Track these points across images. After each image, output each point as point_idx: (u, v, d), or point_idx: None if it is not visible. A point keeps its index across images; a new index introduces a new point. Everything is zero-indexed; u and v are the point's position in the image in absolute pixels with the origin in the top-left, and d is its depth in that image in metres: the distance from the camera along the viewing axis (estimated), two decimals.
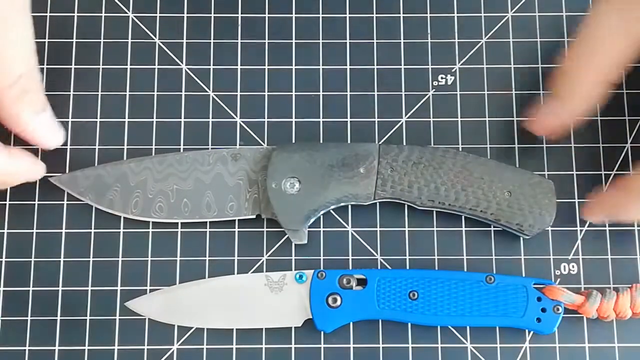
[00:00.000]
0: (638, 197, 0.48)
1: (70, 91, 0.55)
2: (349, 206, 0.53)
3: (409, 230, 0.53)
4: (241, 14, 0.57)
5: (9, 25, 0.48)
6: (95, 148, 0.54)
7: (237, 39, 0.56)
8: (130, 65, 0.55)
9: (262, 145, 0.54)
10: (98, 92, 0.55)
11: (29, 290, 0.52)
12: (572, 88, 0.50)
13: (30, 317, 0.52)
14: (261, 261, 0.53)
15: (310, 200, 0.51)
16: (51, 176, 0.53)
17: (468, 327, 0.52)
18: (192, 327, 0.52)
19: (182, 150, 0.54)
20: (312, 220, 0.52)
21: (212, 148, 0.54)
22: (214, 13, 0.57)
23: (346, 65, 0.56)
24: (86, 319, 0.52)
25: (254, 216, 0.52)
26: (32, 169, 0.51)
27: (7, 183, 0.51)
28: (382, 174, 0.51)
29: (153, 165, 0.53)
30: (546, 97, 0.53)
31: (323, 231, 0.53)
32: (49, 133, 0.52)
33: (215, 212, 0.52)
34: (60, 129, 0.53)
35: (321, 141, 0.54)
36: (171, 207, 0.52)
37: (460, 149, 0.54)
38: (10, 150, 0.50)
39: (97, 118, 0.55)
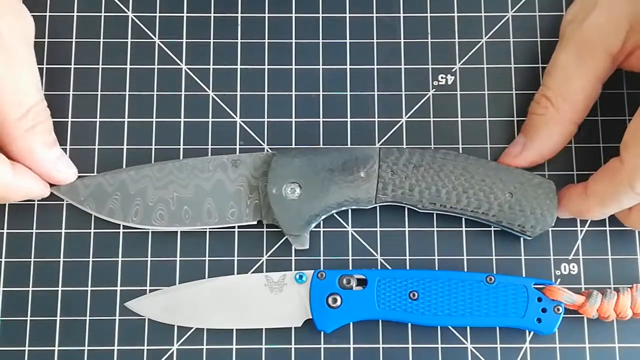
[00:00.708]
0: (597, 201, 0.49)
1: (70, 91, 0.55)
2: (350, 209, 0.53)
3: (409, 231, 0.53)
4: (241, 13, 0.57)
5: (19, 59, 0.50)
6: (95, 148, 0.54)
7: (237, 39, 0.56)
8: (130, 65, 0.55)
9: (262, 144, 0.54)
10: (98, 92, 0.55)
11: (28, 291, 0.52)
12: (538, 129, 0.51)
13: (30, 317, 0.52)
14: (261, 261, 0.53)
15: (311, 205, 0.51)
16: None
17: (468, 328, 0.52)
18: (192, 328, 0.52)
19: (182, 150, 0.54)
20: (313, 225, 0.51)
21: (212, 148, 0.54)
22: (214, 13, 0.56)
23: (346, 65, 0.56)
24: (86, 319, 0.52)
25: (255, 222, 0.52)
26: (36, 187, 0.51)
27: (8, 199, 0.50)
28: (383, 177, 0.51)
29: (153, 173, 0.53)
30: (519, 134, 0.53)
31: (323, 231, 0.53)
32: (62, 167, 0.52)
33: (216, 219, 0.52)
34: (71, 164, 0.53)
35: (321, 141, 0.54)
36: (172, 215, 0.52)
37: (461, 149, 0.54)
38: (15, 165, 0.49)
39: (96, 118, 0.55)
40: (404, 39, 0.56)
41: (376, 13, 0.57)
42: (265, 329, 0.52)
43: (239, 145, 0.54)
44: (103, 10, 0.56)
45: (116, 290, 0.52)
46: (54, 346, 0.52)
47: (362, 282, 0.51)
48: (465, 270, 0.53)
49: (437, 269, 0.53)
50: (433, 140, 0.54)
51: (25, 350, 0.51)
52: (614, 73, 0.52)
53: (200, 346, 0.52)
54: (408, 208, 0.52)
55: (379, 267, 0.53)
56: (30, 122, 0.50)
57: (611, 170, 0.48)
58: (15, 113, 0.49)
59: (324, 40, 0.56)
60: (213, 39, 0.56)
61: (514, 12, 0.56)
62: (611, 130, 0.55)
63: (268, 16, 0.56)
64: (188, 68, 0.56)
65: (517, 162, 0.52)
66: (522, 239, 0.53)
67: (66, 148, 0.54)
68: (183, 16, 0.56)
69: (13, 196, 0.50)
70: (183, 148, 0.54)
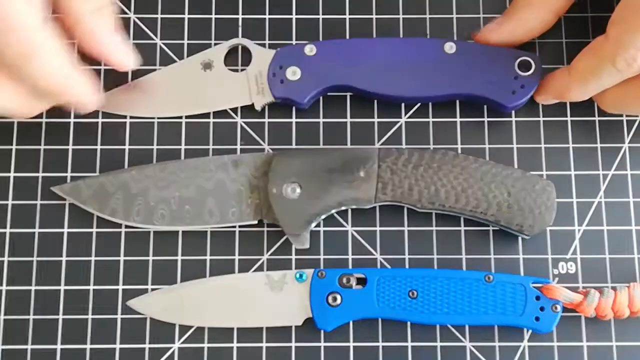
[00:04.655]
0: (578, 78, 0.50)
1: None
2: (349, 208, 0.53)
3: (408, 230, 0.53)
4: (241, 14, 0.57)
5: None
6: (97, 148, 0.54)
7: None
8: None
9: (262, 145, 0.55)
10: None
11: (31, 290, 0.53)
12: (518, 10, 0.53)
13: (32, 316, 0.52)
14: (262, 260, 0.53)
15: (312, 204, 0.51)
16: (52, 177, 0.54)
17: (467, 326, 0.52)
18: (193, 326, 0.52)
19: (183, 150, 0.54)
20: (313, 225, 0.52)
21: (213, 148, 0.54)
22: (215, 14, 0.57)
23: None
24: (88, 318, 0.52)
25: (255, 222, 0.52)
26: (88, 89, 0.50)
27: (62, 94, 0.49)
28: (383, 177, 0.51)
29: (154, 173, 0.53)
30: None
31: (323, 231, 0.53)
32: (124, 52, 0.51)
33: (218, 218, 0.52)
34: (134, 54, 0.52)
35: (321, 141, 0.55)
36: (173, 215, 0.52)
37: (460, 150, 0.54)
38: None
39: (98, 118, 0.55)
40: None
41: (376, 13, 0.57)
42: (266, 327, 0.52)
43: (240, 145, 0.55)
44: None
45: (118, 289, 0.53)
46: (56, 345, 0.52)
47: (361, 281, 0.51)
48: (464, 269, 0.53)
49: (436, 268, 0.53)
50: (432, 140, 0.55)
51: (27, 348, 0.52)
52: None
53: (202, 344, 0.52)
54: (407, 208, 0.53)
55: (379, 266, 0.53)
56: (93, 4, 0.49)
57: (595, 47, 0.49)
58: None
59: (324, 41, 0.56)
60: (214, 40, 0.56)
61: None
62: (610, 130, 0.55)
63: (269, 17, 0.57)
64: None
65: (490, 36, 0.53)
66: (520, 238, 0.53)
67: (68, 148, 0.54)
68: (184, 17, 0.57)
69: (68, 93, 0.48)
70: (184, 148, 0.55)
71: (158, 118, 0.55)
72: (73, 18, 0.49)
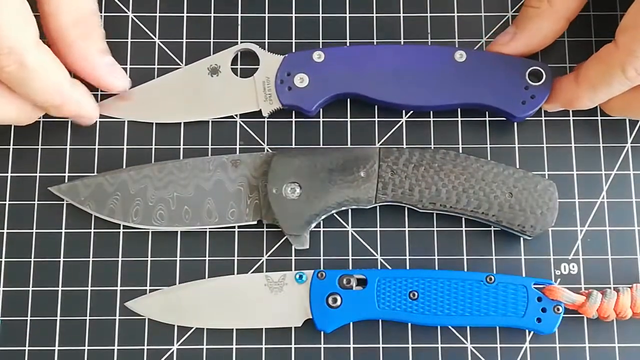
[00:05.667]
0: (588, 87, 0.49)
1: None
2: (350, 209, 0.53)
3: (409, 231, 0.53)
4: (241, 13, 0.57)
5: None
6: (95, 148, 0.54)
7: (237, 39, 0.56)
8: (130, 65, 0.55)
9: (262, 144, 0.54)
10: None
11: (28, 291, 0.52)
12: (530, 21, 0.52)
13: (30, 317, 0.52)
14: (261, 261, 0.53)
15: (311, 205, 0.51)
16: (49, 177, 0.53)
17: (468, 327, 0.52)
18: (192, 327, 0.52)
19: (182, 150, 0.54)
20: (313, 225, 0.52)
21: (212, 148, 0.54)
22: (214, 13, 0.56)
23: None
24: (86, 319, 0.52)
25: (255, 222, 0.52)
26: (88, 102, 0.52)
27: (62, 109, 0.50)
28: (383, 177, 0.51)
29: (153, 173, 0.53)
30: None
31: (323, 231, 0.53)
32: (117, 73, 0.53)
33: (216, 218, 0.52)
34: (124, 72, 0.54)
35: (321, 141, 0.54)
36: (172, 215, 0.52)
37: (461, 149, 0.54)
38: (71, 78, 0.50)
39: (96, 117, 0.55)
40: (404, 39, 0.56)
41: (376, 13, 0.57)
42: (265, 328, 0.52)
43: (239, 145, 0.54)
44: (103, 11, 0.56)
45: (116, 290, 0.52)
46: (54, 346, 0.52)
47: (362, 282, 0.51)
48: (465, 270, 0.53)
49: (437, 268, 0.53)
50: (433, 140, 0.54)
51: (25, 350, 0.51)
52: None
53: (200, 346, 0.52)
54: (408, 208, 0.52)
55: (379, 267, 0.53)
56: (85, 28, 0.50)
57: (604, 55, 0.48)
58: (72, 18, 0.50)
59: (324, 40, 0.56)
60: (213, 39, 0.56)
61: (514, 12, 0.57)
62: (611, 130, 0.55)
63: (268, 16, 0.56)
64: None
65: (504, 50, 0.53)
66: (522, 238, 0.53)
67: (66, 148, 0.54)
68: (183, 16, 0.56)
69: (67, 107, 0.50)
70: (183, 148, 0.54)
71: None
72: (63, 44, 0.49)
